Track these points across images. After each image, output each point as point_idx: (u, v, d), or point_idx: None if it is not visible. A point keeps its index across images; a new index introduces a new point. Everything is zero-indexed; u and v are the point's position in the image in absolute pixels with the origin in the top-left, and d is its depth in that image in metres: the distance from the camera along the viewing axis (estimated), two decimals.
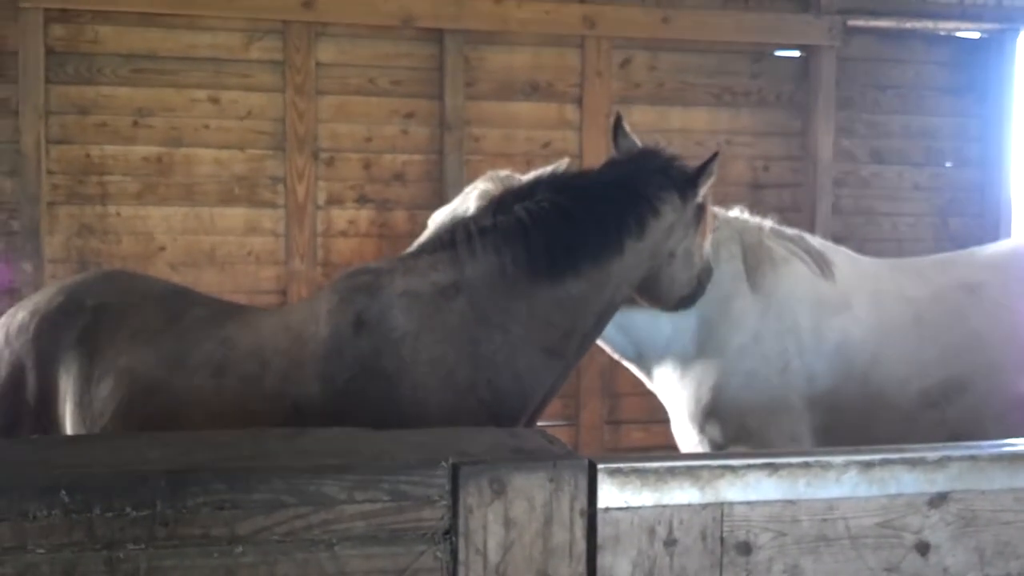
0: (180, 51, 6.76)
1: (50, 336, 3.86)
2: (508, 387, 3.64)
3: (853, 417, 4.60)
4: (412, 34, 7.04)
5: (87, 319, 3.86)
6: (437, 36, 7.05)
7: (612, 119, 4.43)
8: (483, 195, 4.54)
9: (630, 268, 3.84)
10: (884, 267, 5.08)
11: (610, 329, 4.30)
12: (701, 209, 4.13)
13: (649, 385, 5.08)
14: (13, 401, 3.88)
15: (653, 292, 4.21)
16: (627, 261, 3.80)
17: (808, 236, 5.07)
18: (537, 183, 3.97)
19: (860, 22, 7.60)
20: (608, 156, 4.44)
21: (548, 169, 4.53)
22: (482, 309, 3.64)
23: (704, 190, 4.06)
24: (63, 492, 1.92)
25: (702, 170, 4.01)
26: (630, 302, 4.35)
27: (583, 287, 3.72)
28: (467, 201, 4.56)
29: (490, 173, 4.68)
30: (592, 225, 3.70)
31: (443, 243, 3.83)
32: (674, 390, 4.85)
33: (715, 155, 4.07)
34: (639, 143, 4.33)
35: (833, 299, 4.77)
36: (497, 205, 3.87)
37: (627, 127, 4.37)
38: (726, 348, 4.70)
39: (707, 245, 4.37)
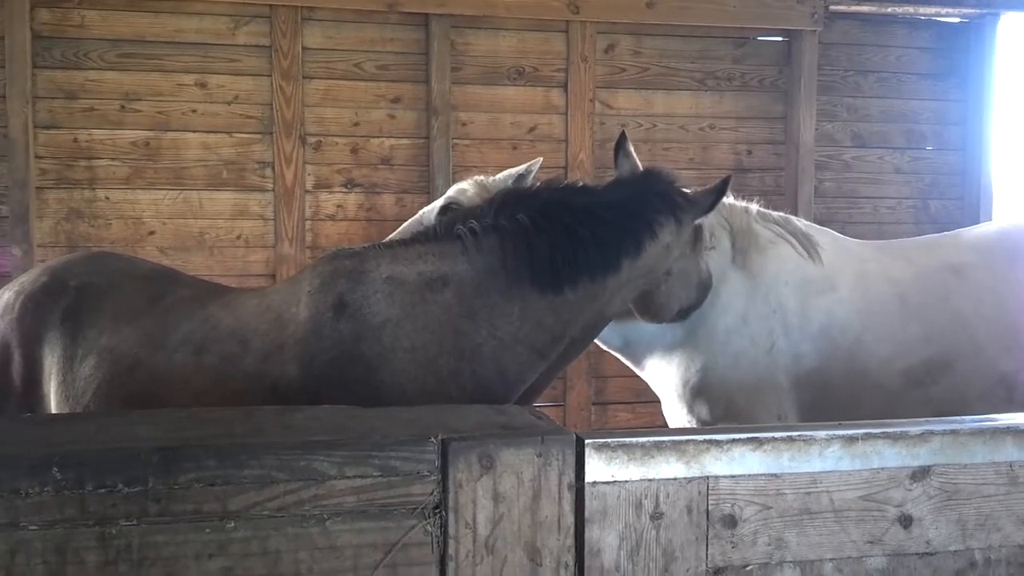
0: (167, 36, 6.74)
1: (34, 316, 3.86)
2: (492, 381, 3.63)
3: (839, 396, 4.63)
4: (398, 19, 7.05)
5: (71, 299, 3.86)
6: (423, 21, 7.05)
7: (618, 135, 4.45)
8: (460, 192, 4.71)
9: (625, 284, 3.83)
10: (869, 248, 5.09)
11: None
12: (698, 228, 4.17)
13: (637, 372, 5.09)
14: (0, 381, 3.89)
15: (651, 308, 4.25)
16: (623, 278, 3.79)
17: (794, 218, 5.08)
18: (540, 192, 3.95)
19: (842, 7, 7.62)
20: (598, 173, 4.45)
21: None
22: (469, 305, 3.62)
23: (709, 216, 4.11)
24: (55, 469, 1.93)
25: (717, 195, 4.04)
26: (627, 315, 4.40)
27: (578, 297, 3.70)
28: (432, 212, 4.75)
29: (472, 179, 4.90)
30: (592, 243, 3.68)
31: (436, 235, 3.81)
32: (663, 373, 4.86)
33: (727, 179, 4.08)
34: (639, 165, 4.35)
35: (819, 280, 4.78)
36: (499, 206, 3.82)
37: (630, 147, 4.38)
38: (715, 330, 4.71)
39: (704, 263, 4.40)
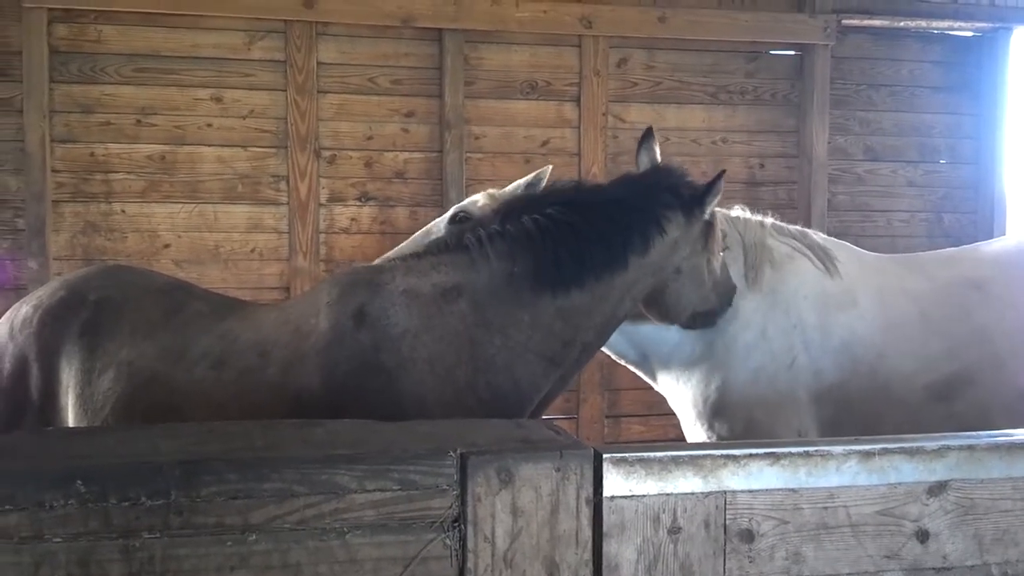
0: (183, 51, 6.79)
1: (52, 329, 3.88)
2: (506, 390, 3.63)
3: (860, 412, 4.58)
4: (412, 34, 7.09)
5: (89, 312, 3.88)
6: (436, 36, 7.09)
7: (642, 132, 4.42)
8: (471, 203, 4.72)
9: (634, 282, 3.82)
10: (888, 262, 5.05)
11: (615, 335, 4.23)
12: (709, 226, 4.10)
13: (654, 386, 5.06)
14: (18, 394, 3.90)
15: (660, 307, 4.14)
16: (631, 276, 3.78)
17: (811, 232, 5.05)
18: (547, 194, 3.97)
19: (854, 21, 7.65)
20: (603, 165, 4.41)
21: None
22: (484, 314, 3.63)
23: (711, 208, 4.02)
24: (79, 482, 1.95)
25: (709, 188, 3.96)
26: (639, 317, 4.33)
27: (586, 299, 3.70)
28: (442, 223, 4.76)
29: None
30: (598, 241, 3.68)
31: (448, 245, 3.83)
32: (682, 390, 4.82)
33: (722, 173, 4.00)
34: (658, 158, 4.33)
35: (838, 295, 4.75)
36: (506, 213, 3.84)
37: (655, 144, 4.36)
38: (734, 345, 4.68)
39: (717, 262, 4.29)
